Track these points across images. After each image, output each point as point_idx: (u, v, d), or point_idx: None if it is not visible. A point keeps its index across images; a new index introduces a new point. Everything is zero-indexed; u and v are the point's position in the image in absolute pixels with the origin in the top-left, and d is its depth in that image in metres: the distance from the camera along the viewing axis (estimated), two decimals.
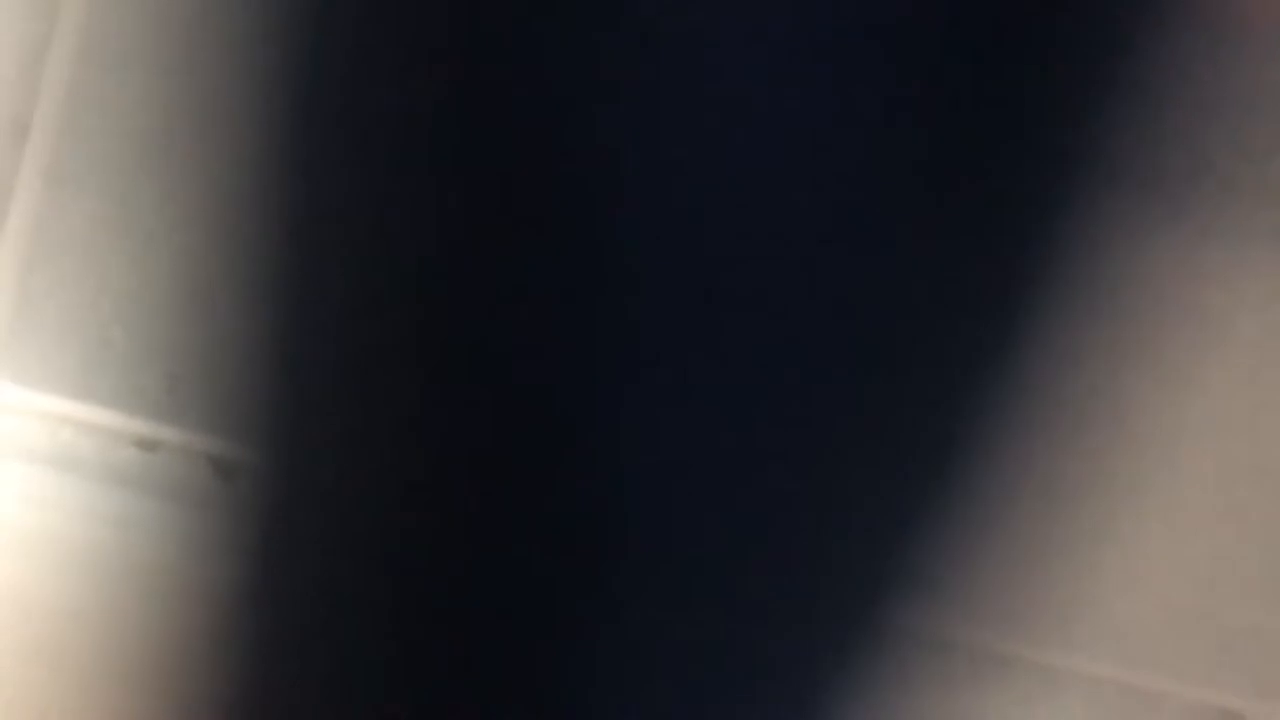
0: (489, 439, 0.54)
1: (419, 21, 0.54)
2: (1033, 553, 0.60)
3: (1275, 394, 1.02)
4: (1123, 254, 0.58)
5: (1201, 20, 0.57)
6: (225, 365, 0.57)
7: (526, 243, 0.53)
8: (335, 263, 0.56)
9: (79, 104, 1.20)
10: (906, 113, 0.53)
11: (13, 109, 1.22)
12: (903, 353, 0.55)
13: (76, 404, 1.21)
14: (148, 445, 1.20)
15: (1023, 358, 0.56)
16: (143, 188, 1.19)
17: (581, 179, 0.53)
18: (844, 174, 0.53)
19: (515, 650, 0.54)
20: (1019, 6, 0.53)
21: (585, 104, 0.53)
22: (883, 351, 0.54)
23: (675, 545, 0.54)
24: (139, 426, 1.20)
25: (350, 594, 0.56)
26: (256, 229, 0.57)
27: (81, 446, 1.21)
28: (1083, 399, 0.58)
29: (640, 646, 0.55)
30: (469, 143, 0.53)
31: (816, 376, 0.54)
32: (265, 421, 0.57)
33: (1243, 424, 1.02)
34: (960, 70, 0.53)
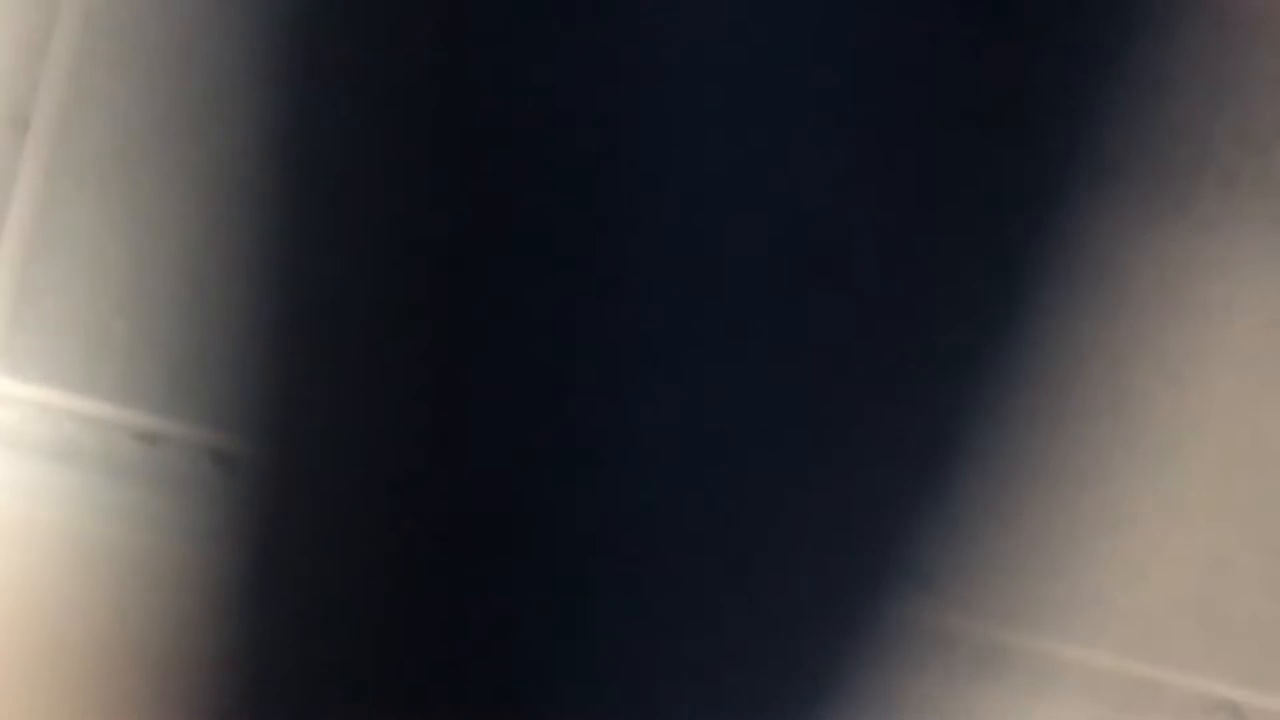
0: (490, 435, 0.54)
1: (419, 13, 0.54)
2: (1032, 544, 0.60)
3: (1276, 385, 1.02)
4: (1124, 245, 0.58)
5: (1203, 10, 0.57)
6: (226, 359, 0.58)
7: (527, 236, 0.53)
8: (336, 256, 0.56)
9: (80, 97, 1.20)
10: (905, 109, 0.53)
11: (13, 102, 1.22)
12: (902, 346, 0.55)
13: (77, 397, 1.21)
14: (149, 438, 1.20)
15: (1023, 349, 0.56)
16: (144, 181, 1.19)
17: (580, 173, 0.53)
18: (841, 170, 0.53)
19: (513, 646, 0.54)
20: None
21: (584, 92, 0.53)
22: (882, 344, 0.54)
23: (673, 543, 0.54)
24: (140, 420, 1.20)
25: (350, 587, 0.56)
26: (257, 222, 0.57)
27: (82, 439, 1.21)
28: (1083, 390, 0.58)
29: (636, 644, 0.55)
30: (472, 136, 0.53)
31: (815, 372, 0.54)
32: (266, 415, 0.57)
33: (1243, 415, 1.02)
34: (959, 63, 0.53)
